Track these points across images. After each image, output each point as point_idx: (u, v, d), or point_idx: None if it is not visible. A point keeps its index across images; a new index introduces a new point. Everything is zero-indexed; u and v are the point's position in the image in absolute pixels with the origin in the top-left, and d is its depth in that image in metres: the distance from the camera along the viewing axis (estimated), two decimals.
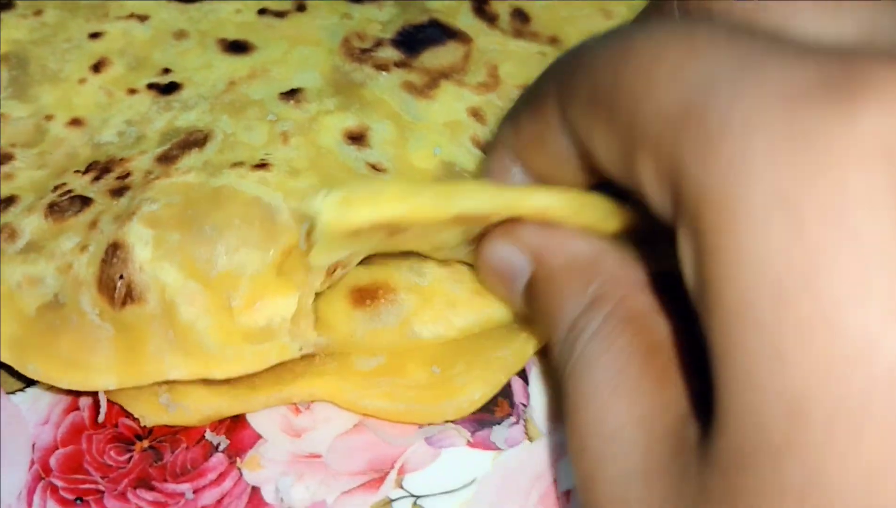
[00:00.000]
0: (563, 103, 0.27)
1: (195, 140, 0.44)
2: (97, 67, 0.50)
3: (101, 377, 0.38)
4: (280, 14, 0.52)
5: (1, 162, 0.46)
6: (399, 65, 0.48)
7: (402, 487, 0.39)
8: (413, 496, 0.38)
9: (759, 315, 0.20)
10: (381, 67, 0.48)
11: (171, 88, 0.48)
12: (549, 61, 0.46)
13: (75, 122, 0.48)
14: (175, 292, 0.38)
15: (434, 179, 0.43)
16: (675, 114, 0.22)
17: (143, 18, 0.52)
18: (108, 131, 0.46)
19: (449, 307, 0.41)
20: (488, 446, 0.39)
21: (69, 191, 0.43)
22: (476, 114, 0.46)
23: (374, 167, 0.43)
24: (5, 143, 0.47)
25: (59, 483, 0.40)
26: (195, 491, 0.39)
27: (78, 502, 0.39)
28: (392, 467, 0.39)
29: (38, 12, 0.52)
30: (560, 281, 0.31)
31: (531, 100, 0.30)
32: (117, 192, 0.42)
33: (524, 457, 0.39)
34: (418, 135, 0.45)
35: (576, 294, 0.30)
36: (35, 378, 0.39)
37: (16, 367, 0.39)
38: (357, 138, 0.44)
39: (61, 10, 0.53)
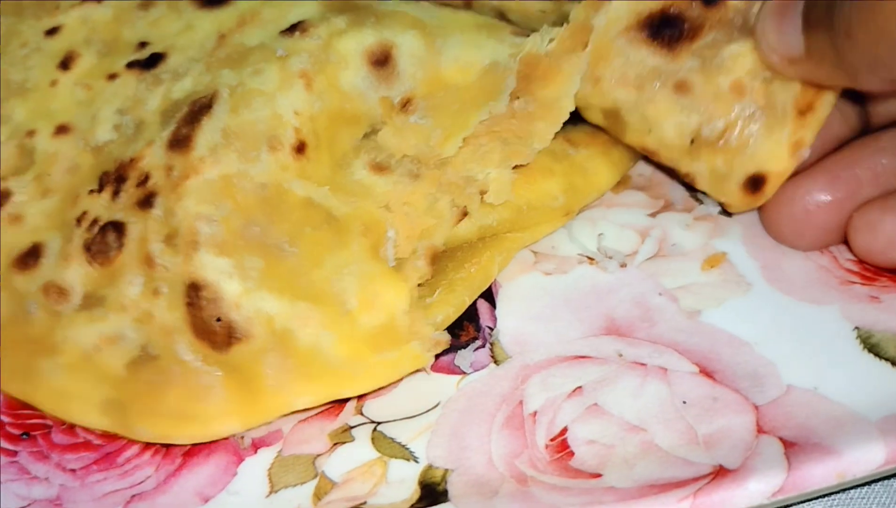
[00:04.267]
0: None
1: (200, 107, 0.38)
2: (65, 64, 0.43)
3: (222, 423, 0.35)
4: None
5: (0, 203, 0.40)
6: None
7: (361, 414, 0.37)
8: (373, 422, 0.37)
9: None
10: None
11: (154, 61, 0.42)
12: (550, 19, 0.43)
13: (61, 129, 0.41)
14: (286, 319, 0.34)
15: (472, 94, 0.38)
16: None
17: None
18: (101, 128, 0.41)
19: None
20: (452, 370, 0.38)
21: (95, 221, 0.38)
22: (507, 19, 0.42)
23: (405, 105, 0.38)
24: None
25: (6, 419, 0.38)
26: None
27: (24, 437, 0.38)
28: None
29: None
30: None
31: None
32: (144, 202, 0.37)
33: (490, 380, 0.38)
34: (451, 40, 0.39)
35: None
36: (148, 440, 0.36)
37: (121, 432, 0.36)
38: (382, 62, 0.38)
39: (5, 15, 0.46)
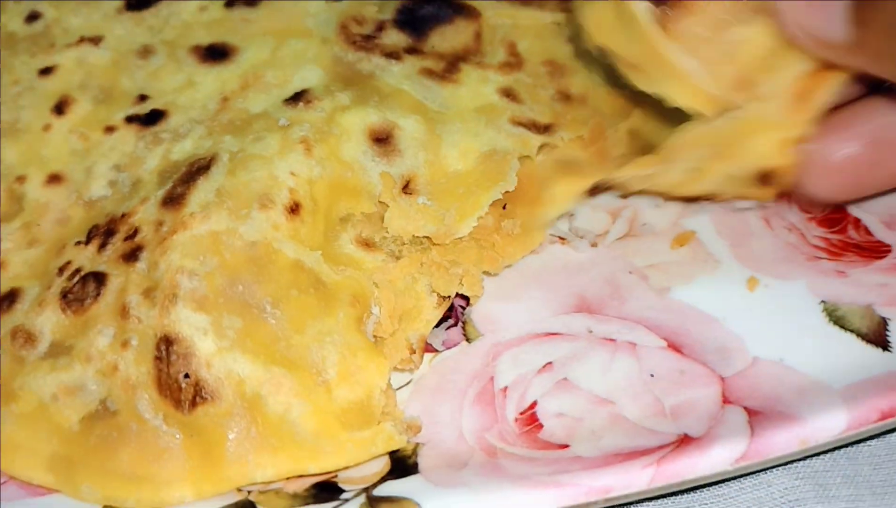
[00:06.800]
0: None
1: (198, 168, 0.38)
2: (60, 109, 0.43)
3: (175, 489, 0.34)
4: (251, 1, 0.46)
5: None
6: (410, 51, 0.43)
7: None
8: None
9: None
10: (391, 55, 0.43)
11: (154, 118, 0.42)
12: (565, 32, 0.44)
13: (54, 179, 0.41)
14: (258, 384, 0.34)
15: (475, 179, 0.39)
16: None
17: (96, 41, 0.45)
18: (96, 184, 0.41)
19: None
20: (425, 348, 0.39)
21: (77, 271, 0.37)
22: (509, 94, 0.41)
23: (407, 186, 0.38)
24: None
25: None
26: None
27: None
28: None
29: None
30: None
31: None
32: (130, 256, 0.37)
33: (461, 358, 0.39)
34: (451, 127, 0.40)
35: None
36: (92, 502, 0.34)
37: (64, 491, 0.35)
38: (384, 140, 0.39)
39: None
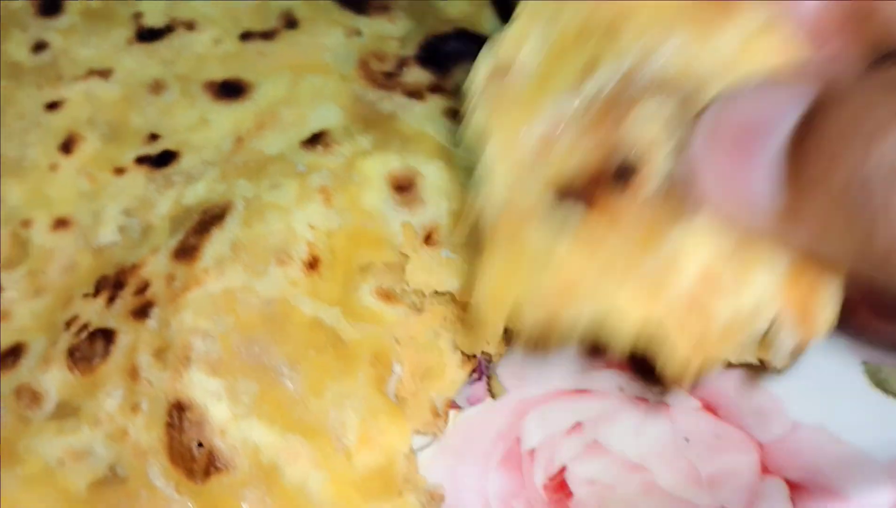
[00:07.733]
0: None
1: (211, 217, 0.37)
2: (67, 147, 0.41)
3: None
4: (268, 35, 0.44)
5: None
6: (433, 89, 0.41)
7: None
8: None
9: None
10: (414, 94, 0.41)
11: (165, 159, 0.40)
12: None
13: (61, 223, 0.40)
14: (274, 453, 0.32)
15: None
16: None
17: (105, 74, 0.43)
18: (105, 229, 0.39)
19: None
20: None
21: (85, 326, 0.36)
22: None
23: (429, 237, 0.37)
24: None
25: None
26: None
27: None
28: None
29: None
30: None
31: None
32: (140, 312, 0.35)
33: (486, 415, 0.37)
34: (475, 174, 0.38)
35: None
36: None
37: None
38: (405, 189, 0.38)
39: (3, 78, 0.44)
